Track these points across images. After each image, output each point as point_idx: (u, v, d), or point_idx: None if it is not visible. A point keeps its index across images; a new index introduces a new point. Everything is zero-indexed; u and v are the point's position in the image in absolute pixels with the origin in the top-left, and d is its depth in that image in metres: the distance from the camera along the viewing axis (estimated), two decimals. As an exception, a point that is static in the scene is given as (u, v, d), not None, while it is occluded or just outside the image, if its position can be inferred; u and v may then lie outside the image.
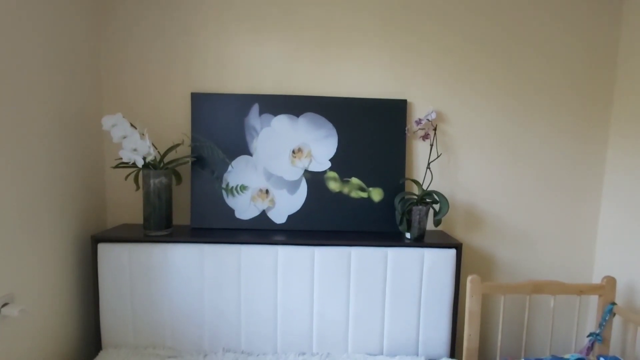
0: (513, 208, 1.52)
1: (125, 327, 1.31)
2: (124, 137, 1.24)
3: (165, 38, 1.44)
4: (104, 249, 1.29)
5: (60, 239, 1.25)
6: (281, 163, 1.43)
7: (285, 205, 1.43)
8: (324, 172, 1.43)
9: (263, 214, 1.43)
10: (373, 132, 1.44)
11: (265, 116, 1.42)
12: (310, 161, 1.43)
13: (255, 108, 1.42)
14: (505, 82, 1.47)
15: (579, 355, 1.18)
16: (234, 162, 1.42)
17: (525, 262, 1.55)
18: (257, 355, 1.30)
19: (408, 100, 1.47)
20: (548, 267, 1.55)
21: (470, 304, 1.26)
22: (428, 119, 1.42)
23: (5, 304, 1.04)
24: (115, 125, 1.24)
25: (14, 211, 1.07)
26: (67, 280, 1.28)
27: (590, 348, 1.30)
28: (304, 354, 1.32)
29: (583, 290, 1.29)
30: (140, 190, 1.34)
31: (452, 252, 1.32)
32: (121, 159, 1.26)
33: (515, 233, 1.54)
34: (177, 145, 1.38)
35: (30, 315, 1.14)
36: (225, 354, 1.29)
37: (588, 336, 1.31)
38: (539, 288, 1.28)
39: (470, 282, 1.26)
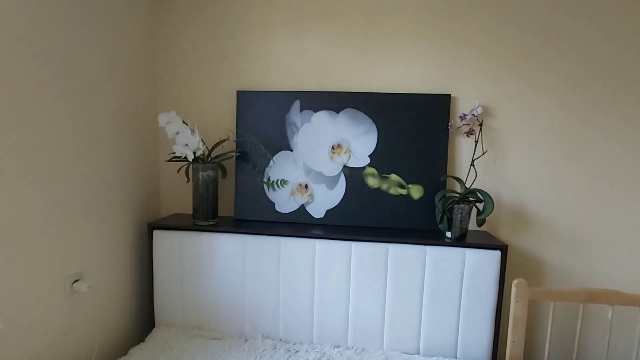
0: (566, 209, 1.42)
1: (175, 307, 1.42)
2: (177, 133, 1.34)
3: (213, 39, 1.52)
4: (158, 235, 1.40)
5: (121, 225, 1.38)
6: (321, 158, 1.45)
7: (324, 200, 1.46)
8: (363, 168, 1.44)
9: (302, 208, 1.47)
10: (414, 128, 1.41)
11: (306, 112, 1.45)
12: (350, 157, 1.44)
13: (297, 104, 1.46)
14: (563, 73, 1.37)
15: (640, 373, 1.08)
16: (275, 157, 1.47)
17: (579, 268, 1.44)
18: (294, 344, 1.35)
19: (452, 94, 1.42)
20: (605, 274, 1.42)
21: (515, 309, 1.20)
22: (473, 114, 1.37)
23: (76, 280, 1.19)
24: (170, 122, 1.34)
25: (84, 199, 1.21)
26: (126, 263, 1.42)
27: (653, 366, 1.18)
28: (339, 346, 1.34)
29: (647, 302, 1.18)
30: (190, 183, 1.44)
31: (496, 254, 1.26)
32: (174, 153, 1.36)
33: (568, 236, 1.43)
34: (223, 140, 1.46)
35: (95, 291, 1.27)
36: (265, 340, 1.35)
37: (652, 353, 1.19)
38: (594, 297, 1.19)
39: (515, 287, 1.20)
